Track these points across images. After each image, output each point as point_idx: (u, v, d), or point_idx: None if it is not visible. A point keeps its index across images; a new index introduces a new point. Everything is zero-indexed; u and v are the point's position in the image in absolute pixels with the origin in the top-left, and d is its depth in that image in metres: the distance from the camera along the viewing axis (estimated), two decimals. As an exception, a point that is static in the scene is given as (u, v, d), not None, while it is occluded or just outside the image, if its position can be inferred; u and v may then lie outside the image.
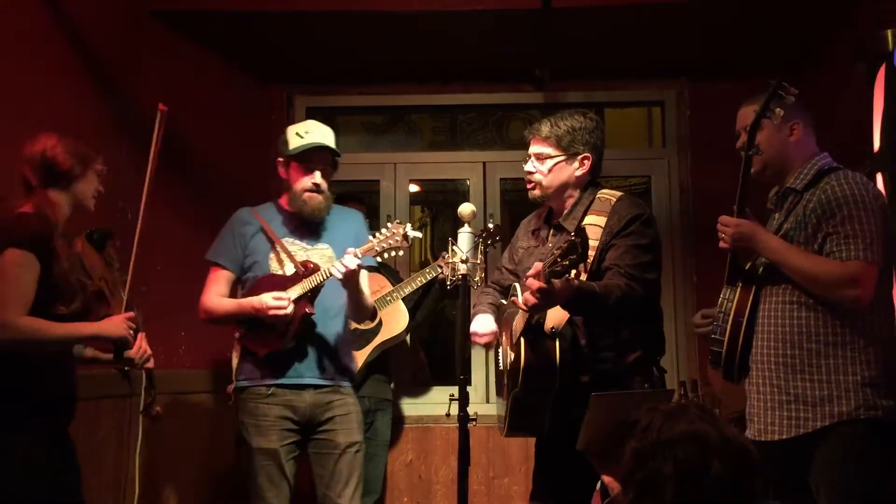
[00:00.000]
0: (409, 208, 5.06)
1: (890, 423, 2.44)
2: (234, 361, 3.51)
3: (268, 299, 3.16)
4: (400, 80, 4.95)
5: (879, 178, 3.26)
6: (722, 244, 2.61)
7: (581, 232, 2.43)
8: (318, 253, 3.37)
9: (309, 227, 3.40)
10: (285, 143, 3.36)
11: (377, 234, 3.19)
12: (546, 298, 2.58)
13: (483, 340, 3.08)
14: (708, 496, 1.61)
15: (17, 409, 2.57)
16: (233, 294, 3.42)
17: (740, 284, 2.63)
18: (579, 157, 2.98)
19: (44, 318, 2.57)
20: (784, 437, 2.49)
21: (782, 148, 2.65)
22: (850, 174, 2.57)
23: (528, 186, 3.04)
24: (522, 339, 2.75)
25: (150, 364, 2.96)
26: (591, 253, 2.69)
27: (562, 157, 2.97)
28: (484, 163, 5.01)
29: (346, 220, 3.51)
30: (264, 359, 3.26)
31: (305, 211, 3.34)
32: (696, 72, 4.83)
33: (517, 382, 2.77)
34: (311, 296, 3.23)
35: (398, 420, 4.60)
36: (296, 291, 3.20)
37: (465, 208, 2.95)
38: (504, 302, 3.13)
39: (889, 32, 3.28)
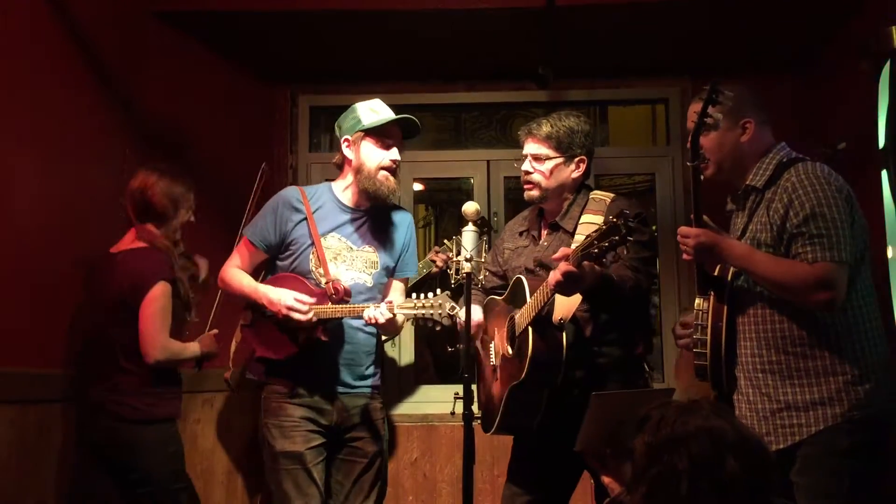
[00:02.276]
0: (413, 207, 5.06)
1: (882, 420, 2.40)
2: (233, 347, 3.42)
3: (288, 299, 2.95)
4: (403, 79, 4.94)
5: (884, 174, 3.26)
6: (685, 257, 2.52)
7: (623, 215, 2.41)
8: (363, 257, 3.14)
9: (360, 222, 3.16)
10: (355, 119, 3.14)
11: (421, 298, 2.90)
12: (574, 282, 2.57)
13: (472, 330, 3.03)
14: (723, 492, 1.61)
15: (172, 404, 3.24)
16: (256, 273, 3.22)
17: (712, 293, 2.54)
18: (576, 159, 2.99)
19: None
20: (781, 446, 2.40)
21: (735, 148, 2.56)
22: (809, 166, 2.46)
23: (527, 187, 3.03)
24: (530, 329, 2.75)
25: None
26: None
27: (561, 159, 2.98)
28: (488, 161, 5.01)
29: (398, 223, 3.24)
30: (289, 357, 3.04)
31: (381, 191, 3.07)
32: (699, 69, 4.82)
33: (520, 373, 2.76)
34: (328, 322, 3.02)
35: (403, 419, 4.60)
36: (316, 313, 2.97)
37: (469, 207, 2.96)
38: (498, 298, 3.13)
39: (893, 29, 3.27)
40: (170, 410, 3.23)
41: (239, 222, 3.87)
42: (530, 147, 3.02)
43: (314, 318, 2.96)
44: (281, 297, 2.97)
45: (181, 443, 3.28)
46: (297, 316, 2.94)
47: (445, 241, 4.17)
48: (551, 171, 2.97)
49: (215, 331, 3.40)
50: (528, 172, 3.01)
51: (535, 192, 3.01)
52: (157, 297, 3.13)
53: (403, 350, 4.77)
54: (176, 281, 3.21)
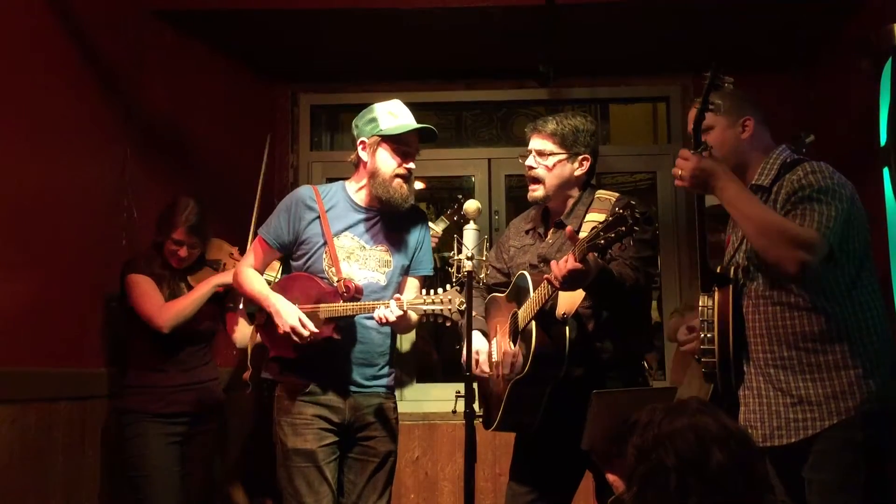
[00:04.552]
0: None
1: (892, 413, 2.41)
2: (250, 346, 3.44)
3: (293, 319, 2.94)
4: (404, 78, 4.94)
5: (886, 172, 3.26)
6: (678, 182, 2.47)
7: (630, 206, 2.40)
8: (376, 256, 3.12)
9: (373, 222, 3.14)
10: (374, 122, 3.08)
11: (431, 294, 2.89)
12: (579, 275, 2.56)
13: (485, 370, 3.02)
14: (711, 485, 1.63)
15: (130, 399, 3.51)
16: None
17: (716, 290, 2.53)
18: (580, 157, 2.99)
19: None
20: (793, 440, 2.41)
21: (736, 145, 2.56)
22: (815, 164, 2.48)
23: (532, 188, 3.01)
24: (534, 324, 2.75)
25: None
26: None
27: (564, 156, 2.98)
28: (489, 159, 5.02)
29: (413, 223, 3.23)
30: (300, 356, 3.04)
31: (394, 198, 3.05)
32: (700, 67, 4.78)
33: (522, 368, 2.76)
34: (340, 320, 3.01)
35: (404, 417, 4.60)
36: (326, 312, 2.98)
37: (471, 205, 2.97)
38: (500, 294, 3.13)
39: (895, 27, 3.27)
40: (124, 404, 3.52)
41: (240, 220, 3.89)
42: (535, 143, 3.02)
43: (312, 338, 2.95)
44: (286, 315, 2.96)
45: (136, 435, 3.45)
46: (295, 339, 2.94)
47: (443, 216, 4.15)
48: (553, 167, 2.97)
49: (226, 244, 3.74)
50: (531, 168, 3.00)
51: (539, 193, 2.99)
52: (131, 285, 3.51)
53: (404, 349, 4.77)
54: (148, 272, 3.55)
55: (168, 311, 3.47)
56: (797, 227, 2.35)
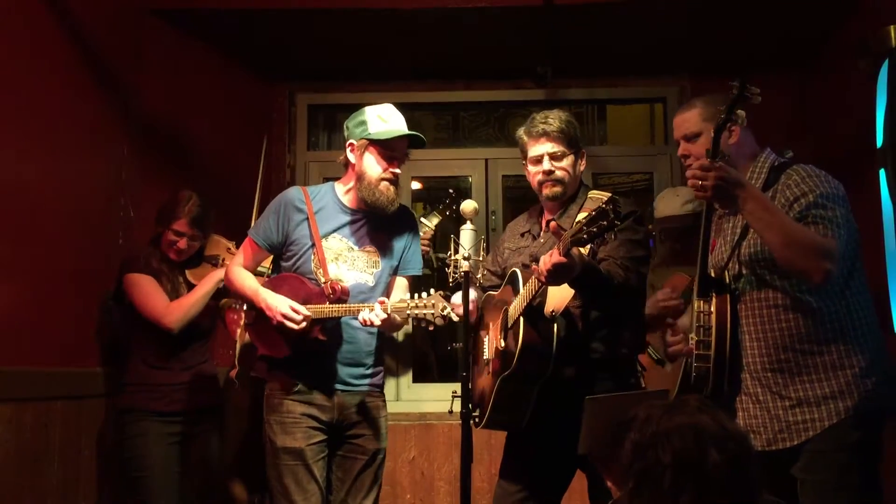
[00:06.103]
0: (411, 205, 5.06)
1: (889, 411, 2.43)
2: (238, 346, 3.47)
3: (284, 307, 2.97)
4: (402, 78, 4.95)
5: (882, 173, 3.27)
6: (698, 194, 2.45)
7: (612, 200, 2.40)
8: (364, 257, 3.14)
9: (361, 223, 3.16)
10: (363, 125, 3.10)
11: (414, 298, 2.91)
12: (563, 269, 2.57)
13: (460, 311, 2.99)
14: (706, 485, 1.63)
15: (128, 397, 3.49)
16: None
17: (714, 295, 2.52)
18: (580, 153, 3.01)
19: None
20: (795, 442, 2.42)
21: (724, 151, 2.55)
22: (807, 167, 2.51)
23: (548, 183, 2.98)
24: (522, 319, 2.75)
25: None
26: (584, 249, 2.69)
27: (573, 155, 2.99)
28: (486, 160, 5.01)
29: (401, 223, 3.24)
30: (288, 355, 3.07)
31: (380, 201, 3.07)
32: (698, 68, 4.82)
33: (510, 364, 2.76)
34: (326, 321, 3.03)
35: (401, 417, 4.60)
36: (312, 313, 2.98)
37: (468, 205, 2.97)
38: (493, 293, 3.13)
39: (892, 28, 3.28)
40: (125, 403, 3.49)
41: (237, 220, 3.88)
42: (544, 146, 2.98)
43: (305, 326, 2.97)
44: (277, 304, 2.99)
45: (138, 434, 3.42)
46: (289, 325, 2.96)
47: (426, 219, 4.16)
48: (572, 167, 2.98)
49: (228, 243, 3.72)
50: (549, 172, 2.96)
51: (558, 188, 2.98)
52: (132, 285, 3.49)
53: (401, 348, 4.77)
54: (148, 270, 3.52)
55: (176, 310, 3.45)
56: (820, 237, 2.37)
